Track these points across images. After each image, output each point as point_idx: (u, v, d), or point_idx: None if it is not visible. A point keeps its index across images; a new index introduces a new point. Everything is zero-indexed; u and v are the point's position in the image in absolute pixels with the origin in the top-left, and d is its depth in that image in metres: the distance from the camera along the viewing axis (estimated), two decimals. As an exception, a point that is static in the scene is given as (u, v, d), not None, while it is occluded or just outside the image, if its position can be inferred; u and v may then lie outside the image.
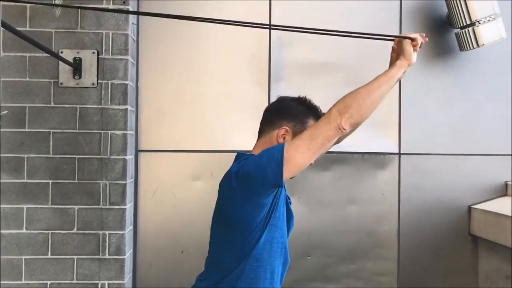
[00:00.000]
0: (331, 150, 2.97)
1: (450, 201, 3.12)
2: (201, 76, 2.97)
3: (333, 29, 1.57)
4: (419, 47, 1.40)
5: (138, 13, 2.88)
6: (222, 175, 1.48)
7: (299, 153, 1.20)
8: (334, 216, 3.03)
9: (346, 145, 3.01)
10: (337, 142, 1.36)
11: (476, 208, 3.06)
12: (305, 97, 1.52)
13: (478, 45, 2.89)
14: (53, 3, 2.63)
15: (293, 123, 1.40)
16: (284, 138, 1.38)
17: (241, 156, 1.41)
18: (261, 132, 1.44)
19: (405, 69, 1.37)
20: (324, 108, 3.07)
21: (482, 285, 3.07)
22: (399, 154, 3.07)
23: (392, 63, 1.43)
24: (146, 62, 2.94)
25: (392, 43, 1.52)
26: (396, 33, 3.09)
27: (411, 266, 3.07)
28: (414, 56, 1.39)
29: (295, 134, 1.39)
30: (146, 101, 2.95)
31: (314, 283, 3.02)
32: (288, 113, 1.40)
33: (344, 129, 1.25)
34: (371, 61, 3.03)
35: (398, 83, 3.07)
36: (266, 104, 2.95)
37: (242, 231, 1.27)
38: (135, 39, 2.88)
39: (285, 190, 1.46)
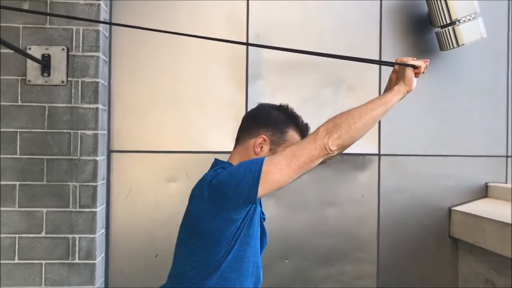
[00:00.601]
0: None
1: (430, 202, 3.08)
2: (176, 74, 2.89)
3: (322, 52, 1.50)
4: (422, 73, 1.33)
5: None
6: (198, 177, 1.39)
7: (278, 169, 1.12)
8: (312, 219, 2.97)
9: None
10: (321, 163, 1.27)
11: (456, 210, 3.02)
12: (287, 105, 1.43)
13: (458, 45, 2.86)
14: (21, -3, 2.52)
15: (272, 132, 1.32)
16: (261, 148, 1.30)
17: (218, 163, 1.32)
18: (238, 140, 1.36)
19: (403, 95, 1.30)
20: (302, 113, 3.02)
21: (462, 288, 3.03)
22: (379, 155, 3.02)
23: (390, 86, 1.35)
24: (119, 59, 2.85)
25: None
26: (376, 34, 3.04)
27: (390, 268, 3.03)
28: (414, 83, 1.32)
29: (273, 143, 1.32)
30: (118, 100, 2.86)
31: (293, 286, 2.95)
32: (267, 121, 1.32)
33: (331, 150, 1.17)
34: (348, 62, 2.98)
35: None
36: (244, 104, 2.89)
37: (208, 245, 1.18)
38: (107, 35, 2.78)
39: (260, 206, 1.38)
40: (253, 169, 1.12)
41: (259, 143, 1.30)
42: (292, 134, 1.35)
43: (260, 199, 1.43)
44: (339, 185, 2.99)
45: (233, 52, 2.93)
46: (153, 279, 2.81)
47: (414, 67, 1.32)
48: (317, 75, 2.98)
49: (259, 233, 1.30)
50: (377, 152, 3.02)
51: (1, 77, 2.53)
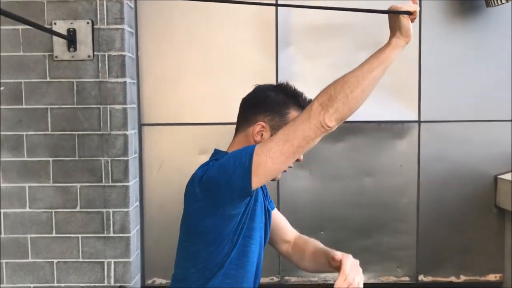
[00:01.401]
0: (344, 119, 2.80)
1: (474, 171, 2.90)
2: (205, 44, 2.80)
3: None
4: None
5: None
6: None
7: (270, 158, 1.01)
8: (348, 189, 2.87)
9: (361, 114, 2.83)
10: None
11: (503, 179, 2.84)
12: (285, 84, 1.30)
13: (507, 0, 2.61)
14: (43, -29, 2.48)
15: (270, 117, 1.20)
16: (261, 136, 1.19)
17: (216, 154, 1.23)
18: (237, 129, 1.26)
19: (402, 48, 1.14)
20: (333, 75, 2.87)
21: (508, 261, 2.88)
22: (419, 121, 2.86)
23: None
24: (146, 30, 2.79)
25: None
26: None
27: (431, 240, 2.91)
28: (411, 31, 1.15)
29: (274, 128, 1.19)
30: (147, 73, 2.81)
31: (328, 258, 2.89)
32: (264, 106, 1.20)
33: (329, 127, 1.04)
34: (384, 23, 2.80)
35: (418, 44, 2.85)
36: (274, 72, 2.79)
37: (209, 245, 1.11)
38: (132, 6, 2.71)
39: (266, 195, 1.28)
40: (243, 160, 1.02)
41: (258, 130, 1.19)
42: (294, 115, 1.21)
43: (265, 189, 1.34)
44: (376, 154, 2.86)
45: (261, 18, 2.81)
46: (188, 251, 2.82)
47: (409, 13, 1.16)
48: (351, 39, 2.82)
49: (263, 225, 1.22)
50: (416, 119, 2.85)
51: (29, 53, 2.53)
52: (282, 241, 1.32)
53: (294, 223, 2.84)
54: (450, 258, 2.93)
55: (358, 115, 2.76)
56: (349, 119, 2.75)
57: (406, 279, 2.92)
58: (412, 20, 1.12)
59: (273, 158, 1.01)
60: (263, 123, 1.19)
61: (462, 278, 2.94)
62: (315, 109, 1.02)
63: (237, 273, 1.12)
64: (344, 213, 2.88)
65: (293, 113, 1.25)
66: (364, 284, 2.95)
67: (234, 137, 1.27)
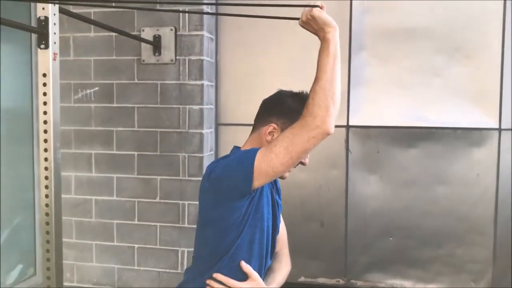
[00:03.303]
0: (417, 125, 2.74)
1: None
2: (279, 48, 2.90)
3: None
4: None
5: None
6: None
7: (271, 168, 1.10)
8: (420, 197, 2.80)
9: (435, 120, 2.77)
10: None
11: None
12: (305, 93, 1.35)
13: None
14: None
15: (283, 121, 1.27)
16: (272, 136, 1.27)
17: (232, 150, 1.34)
18: (253, 128, 1.35)
19: (337, 36, 1.19)
20: (411, 84, 2.82)
21: None
22: (500, 129, 2.70)
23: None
24: (225, 36, 2.96)
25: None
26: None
27: (510, 255, 2.73)
28: (328, 16, 1.20)
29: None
30: (225, 76, 2.98)
31: (396, 265, 2.85)
32: (280, 110, 1.28)
33: (330, 133, 1.11)
34: (464, 26, 2.70)
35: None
36: (346, 75, 2.81)
37: (217, 232, 1.23)
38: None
39: (273, 185, 1.34)
40: (245, 164, 1.11)
41: (270, 131, 1.27)
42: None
43: (277, 183, 1.39)
44: (451, 163, 2.76)
45: (335, 21, 2.84)
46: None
47: (317, 6, 1.21)
48: (428, 42, 2.74)
49: (270, 215, 1.29)
50: (497, 126, 2.71)
51: (120, 57, 2.81)
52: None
53: (361, 228, 2.86)
54: (531, 276, 2.74)
55: (432, 121, 2.73)
56: (424, 124, 2.72)
57: (480, 294, 2.78)
58: (323, 8, 1.15)
59: (274, 168, 1.11)
60: (275, 125, 1.26)
61: (546, 299, 2.74)
62: (311, 123, 1.08)
63: (242, 257, 1.22)
64: (414, 221, 2.82)
65: None
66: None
67: (249, 135, 1.36)
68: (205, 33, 2.73)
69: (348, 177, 2.88)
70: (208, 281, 1.22)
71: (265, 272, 1.33)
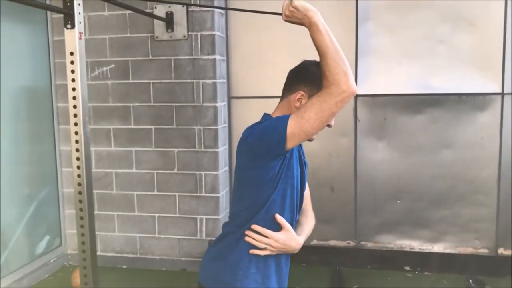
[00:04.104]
0: (423, 92, 2.84)
1: None
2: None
3: None
4: None
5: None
6: None
7: (303, 131, 1.22)
8: (426, 161, 2.93)
9: (440, 86, 2.87)
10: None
11: None
12: None
13: None
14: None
15: (309, 87, 1.38)
16: (301, 102, 1.38)
17: (263, 117, 1.45)
18: (282, 96, 1.46)
19: (321, 17, 1.29)
20: (417, 52, 2.88)
21: None
22: (502, 94, 2.81)
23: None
24: (235, 12, 3.03)
25: None
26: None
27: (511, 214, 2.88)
28: (306, 5, 1.31)
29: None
30: (236, 50, 3.07)
31: (403, 226, 2.99)
32: (306, 77, 1.38)
33: (356, 93, 1.23)
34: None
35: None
36: (353, 46, 2.90)
37: (254, 189, 1.34)
38: (222, -12, 2.98)
39: (300, 146, 1.48)
40: (279, 129, 1.24)
41: (298, 98, 1.37)
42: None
43: (301, 147, 1.53)
44: (456, 127, 2.88)
45: (342, -6, 2.92)
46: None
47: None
48: (433, 12, 2.83)
49: (299, 172, 1.42)
50: (500, 91, 2.81)
51: (134, 35, 2.91)
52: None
53: (370, 193, 3.00)
54: (533, 232, 2.88)
55: (437, 88, 2.83)
56: (429, 91, 2.79)
57: (485, 251, 2.93)
58: None
59: (305, 131, 1.23)
60: (302, 92, 1.37)
61: (547, 254, 2.89)
62: (337, 90, 1.19)
63: (276, 210, 1.36)
64: (421, 184, 2.95)
65: None
66: (441, 254, 3.03)
67: (279, 103, 1.47)
68: (216, 9, 2.82)
69: (356, 145, 3.00)
70: (247, 232, 1.35)
71: (295, 225, 1.47)
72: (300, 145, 1.49)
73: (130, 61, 2.94)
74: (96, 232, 3.09)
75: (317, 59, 1.45)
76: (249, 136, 1.31)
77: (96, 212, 3.10)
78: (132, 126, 2.99)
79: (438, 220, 2.95)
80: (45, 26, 2.99)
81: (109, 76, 2.97)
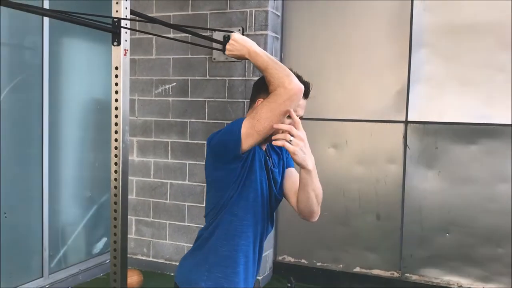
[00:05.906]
0: (478, 121, 2.73)
1: None
2: (341, 43, 3.04)
3: None
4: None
5: None
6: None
7: (256, 131, 1.32)
8: (479, 194, 2.77)
9: (497, 116, 2.73)
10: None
11: None
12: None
13: None
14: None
15: (266, 95, 1.45)
16: None
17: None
18: (249, 107, 1.56)
19: (257, 45, 1.39)
20: (476, 80, 2.81)
21: None
22: None
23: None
24: (290, 36, 3.15)
25: None
26: None
27: None
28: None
29: None
30: (289, 73, 3.17)
31: (452, 262, 2.84)
32: (263, 87, 1.46)
33: (302, 89, 1.32)
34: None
35: None
36: (406, 71, 2.89)
37: (217, 190, 1.45)
38: (279, 14, 3.11)
39: (268, 156, 1.51)
40: (234, 131, 1.35)
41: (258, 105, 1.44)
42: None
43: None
44: (513, 160, 2.71)
45: (396, 19, 2.91)
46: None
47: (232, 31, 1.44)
48: (492, 39, 2.72)
49: (265, 179, 1.46)
50: None
51: (194, 56, 3.13)
52: (294, 194, 1.55)
53: (418, 223, 2.91)
54: None
55: (493, 117, 2.71)
56: (485, 121, 2.66)
57: (543, 297, 2.69)
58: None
59: (257, 130, 1.33)
60: (262, 99, 1.44)
61: None
62: (283, 91, 1.30)
63: (238, 212, 1.43)
64: (473, 218, 2.79)
65: None
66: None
67: (246, 113, 1.57)
68: (269, 33, 2.95)
69: (405, 172, 2.93)
70: (275, 125, 1.41)
71: (266, 238, 1.53)
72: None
73: (190, 80, 3.16)
74: (149, 239, 3.33)
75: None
76: (212, 139, 1.43)
77: (150, 219, 3.32)
78: (188, 141, 3.18)
79: (491, 258, 2.76)
80: (119, 46, 3.31)
81: (170, 93, 3.21)
